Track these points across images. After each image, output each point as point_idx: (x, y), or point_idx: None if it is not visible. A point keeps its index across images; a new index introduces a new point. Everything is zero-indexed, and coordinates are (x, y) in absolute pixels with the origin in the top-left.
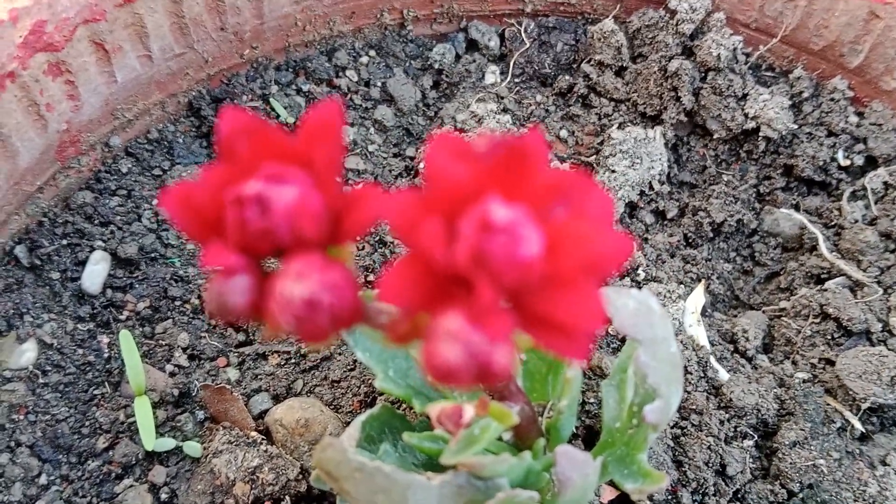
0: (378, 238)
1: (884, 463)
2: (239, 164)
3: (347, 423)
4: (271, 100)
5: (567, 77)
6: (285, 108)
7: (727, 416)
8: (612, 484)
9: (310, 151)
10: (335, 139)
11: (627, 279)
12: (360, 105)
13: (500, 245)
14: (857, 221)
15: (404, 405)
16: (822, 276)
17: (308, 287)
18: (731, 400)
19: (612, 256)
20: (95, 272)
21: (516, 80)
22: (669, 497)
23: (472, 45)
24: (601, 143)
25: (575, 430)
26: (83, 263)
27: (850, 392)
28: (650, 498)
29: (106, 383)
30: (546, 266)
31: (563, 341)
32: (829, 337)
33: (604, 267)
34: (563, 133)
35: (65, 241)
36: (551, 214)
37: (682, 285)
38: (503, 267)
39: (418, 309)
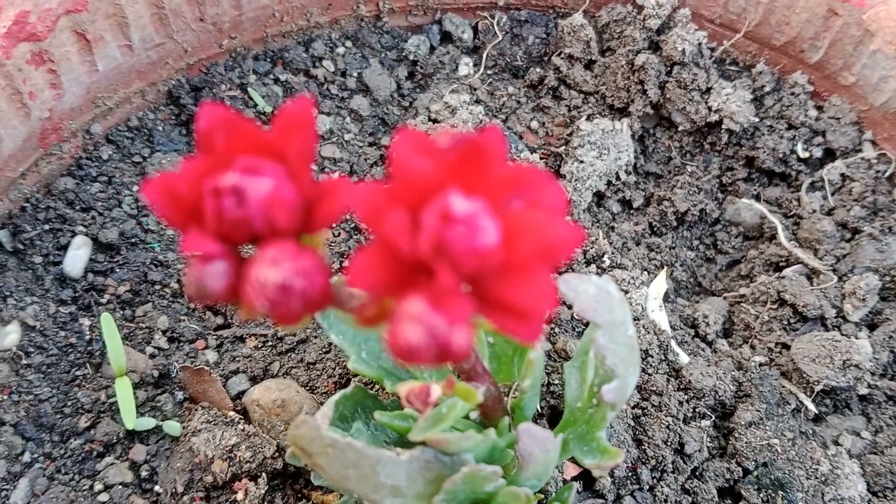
0: (353, 226)
1: (836, 443)
2: (217, 157)
3: (322, 404)
4: (249, 89)
5: (538, 69)
6: (263, 97)
7: (686, 397)
8: (574, 461)
9: (284, 145)
10: (308, 133)
11: (593, 266)
12: (337, 95)
13: (460, 234)
14: (815, 212)
15: (377, 386)
16: (781, 264)
17: (281, 273)
18: (690, 382)
19: (563, 245)
20: (77, 256)
21: (489, 71)
22: (629, 474)
23: (447, 38)
24: (570, 134)
25: (540, 410)
26: (65, 248)
27: (805, 375)
28: (610, 474)
29: (87, 364)
30: (502, 254)
31: (517, 324)
32: (786, 322)
33: (556, 255)
34: (534, 124)
35: (47, 227)
36: (508, 206)
37: (646, 272)
38: (462, 255)
39: (384, 293)
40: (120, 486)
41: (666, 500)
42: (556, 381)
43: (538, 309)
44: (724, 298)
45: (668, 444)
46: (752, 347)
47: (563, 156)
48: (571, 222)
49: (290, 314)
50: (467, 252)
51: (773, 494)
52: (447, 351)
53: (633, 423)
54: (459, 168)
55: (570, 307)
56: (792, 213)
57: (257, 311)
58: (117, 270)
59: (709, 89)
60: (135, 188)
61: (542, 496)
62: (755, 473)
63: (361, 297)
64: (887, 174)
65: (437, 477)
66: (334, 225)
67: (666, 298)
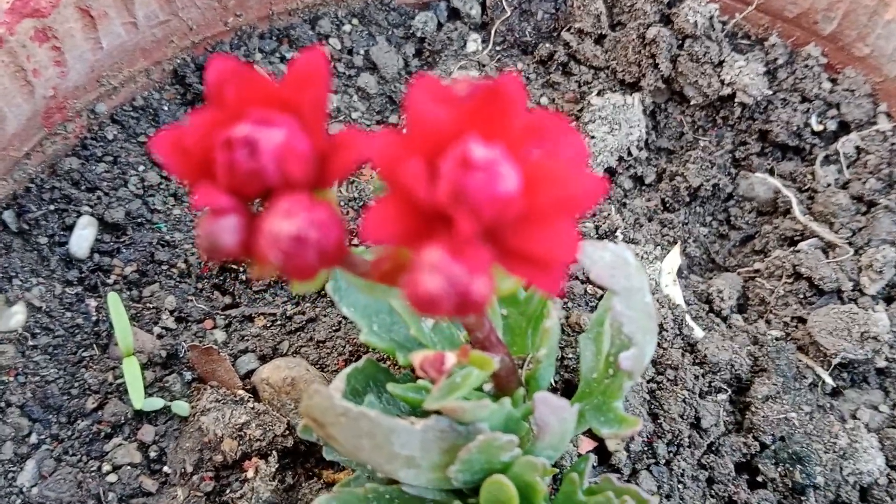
0: (362, 204)
1: (854, 417)
2: (227, 109)
3: None
4: (255, 67)
5: (547, 45)
6: (269, 75)
7: (702, 371)
8: (590, 435)
9: (296, 96)
10: (321, 84)
11: (606, 241)
12: (344, 73)
13: (479, 182)
14: (829, 185)
15: (389, 360)
16: (796, 238)
17: (296, 224)
18: (705, 356)
19: (585, 195)
20: (83, 237)
21: (497, 48)
22: (645, 448)
23: (454, 14)
24: (581, 110)
25: (554, 384)
26: (70, 228)
27: (822, 348)
28: (626, 448)
29: (94, 345)
30: (522, 202)
31: (537, 274)
32: (802, 296)
33: (577, 205)
34: (544, 100)
35: (52, 207)
36: (528, 154)
37: (659, 248)
38: (481, 203)
39: (401, 244)
40: (128, 467)
41: (682, 475)
42: (570, 356)
43: (559, 259)
44: (738, 274)
45: (685, 418)
46: (768, 322)
47: None
48: (592, 172)
49: (305, 267)
50: (487, 199)
51: (790, 469)
52: (467, 300)
53: (648, 398)
54: (478, 115)
55: (582, 281)
56: (806, 187)
57: (271, 266)
58: (124, 251)
59: (721, 62)
60: (141, 168)
61: (557, 470)
62: (772, 448)
63: (375, 256)
64: None
65: (452, 447)
66: (343, 204)
67: (679, 274)
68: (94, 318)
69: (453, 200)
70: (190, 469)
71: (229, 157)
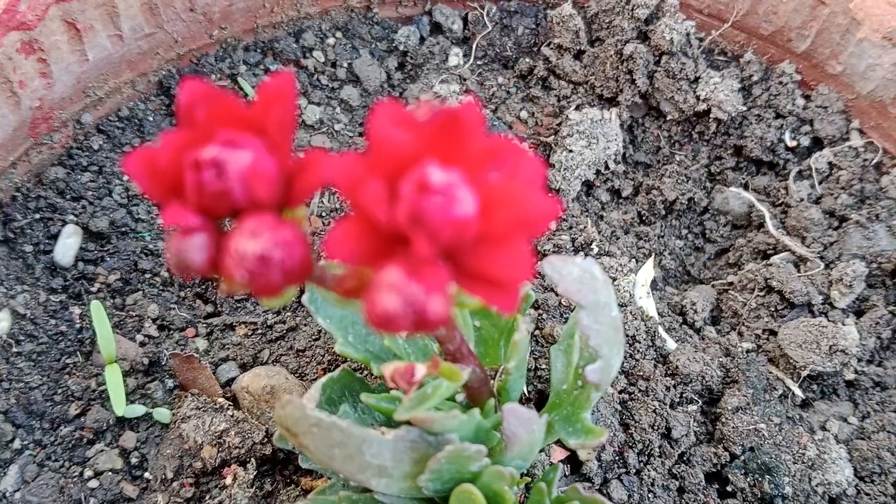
0: (344, 214)
1: (823, 428)
2: (197, 130)
3: None
4: (239, 79)
5: (527, 60)
6: (253, 87)
7: (673, 382)
8: (562, 445)
9: (264, 119)
10: (288, 107)
11: (581, 254)
12: (327, 85)
13: (437, 205)
14: (802, 200)
15: (364, 371)
16: (769, 252)
17: (260, 244)
18: (677, 367)
19: (540, 217)
20: (67, 245)
21: (479, 62)
22: (616, 457)
23: (437, 28)
24: (559, 124)
25: (527, 395)
26: (55, 237)
27: (792, 361)
28: (597, 458)
29: (78, 353)
30: (480, 224)
31: (493, 293)
32: (773, 309)
33: (533, 226)
34: (524, 114)
35: (37, 216)
36: (486, 177)
37: (634, 260)
38: (439, 225)
39: (362, 264)
40: (110, 473)
41: (653, 484)
42: (544, 366)
43: (515, 279)
44: (712, 286)
45: (655, 428)
46: (740, 334)
47: (553, 145)
48: (548, 194)
49: (270, 286)
50: (444, 222)
51: (759, 479)
52: (424, 318)
53: (619, 408)
54: (437, 140)
55: (557, 293)
56: (780, 202)
57: (237, 284)
58: (108, 259)
59: (697, 79)
60: (125, 178)
61: (529, 479)
62: (742, 458)
63: (340, 271)
64: (874, 162)
65: (423, 457)
66: (324, 215)
67: (654, 286)
68: (77, 326)
69: (412, 222)
70: (170, 475)
71: (198, 178)
